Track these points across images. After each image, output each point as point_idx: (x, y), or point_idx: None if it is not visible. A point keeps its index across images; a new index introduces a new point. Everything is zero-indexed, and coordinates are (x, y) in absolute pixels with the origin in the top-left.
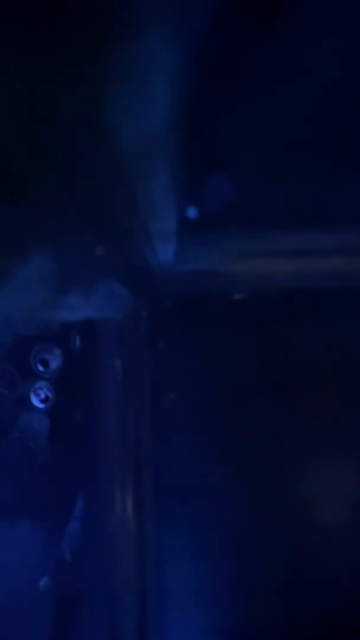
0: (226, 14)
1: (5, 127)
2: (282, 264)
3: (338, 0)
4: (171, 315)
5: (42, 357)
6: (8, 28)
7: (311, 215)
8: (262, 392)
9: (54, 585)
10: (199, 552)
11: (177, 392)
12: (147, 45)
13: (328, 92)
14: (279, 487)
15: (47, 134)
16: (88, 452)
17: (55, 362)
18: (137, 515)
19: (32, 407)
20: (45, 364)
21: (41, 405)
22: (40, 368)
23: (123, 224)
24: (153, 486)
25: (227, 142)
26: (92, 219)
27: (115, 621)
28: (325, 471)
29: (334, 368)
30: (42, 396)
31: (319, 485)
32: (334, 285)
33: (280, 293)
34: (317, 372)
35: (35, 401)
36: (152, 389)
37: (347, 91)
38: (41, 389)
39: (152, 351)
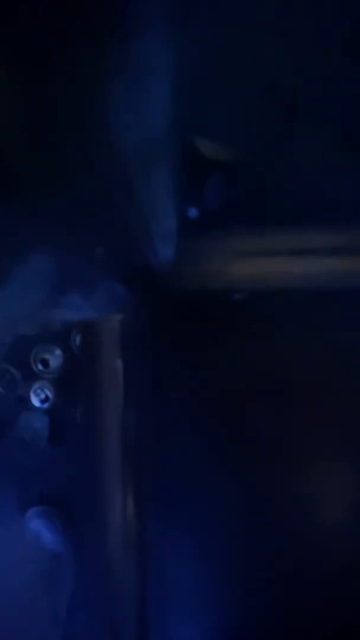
0: (225, 13)
1: (5, 128)
2: (282, 264)
3: None
4: (171, 315)
5: (42, 357)
6: (8, 29)
7: (311, 215)
8: (262, 391)
9: (54, 584)
10: (199, 552)
11: (177, 392)
12: (147, 45)
13: (329, 93)
14: (279, 486)
15: (47, 134)
16: (88, 452)
17: (55, 362)
18: (137, 515)
19: (32, 407)
20: (45, 364)
21: (41, 405)
22: (41, 368)
23: (123, 224)
24: (153, 486)
25: (227, 143)
26: (92, 219)
27: (116, 621)
28: (325, 471)
29: (334, 368)
30: (42, 396)
31: (320, 484)
32: (334, 285)
33: (280, 293)
34: (317, 371)
35: (36, 401)
36: (152, 389)
37: (348, 93)
38: (41, 389)
39: (152, 351)
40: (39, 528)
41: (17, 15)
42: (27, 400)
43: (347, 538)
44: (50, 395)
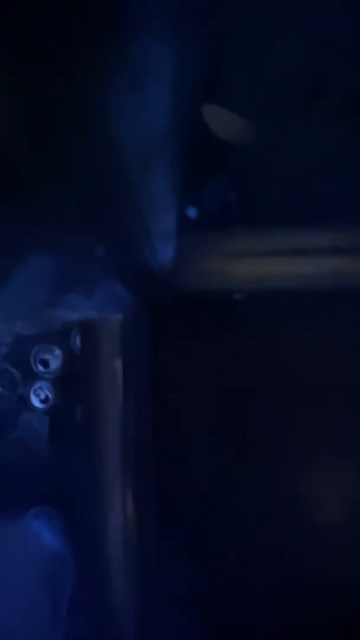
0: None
1: (5, 127)
2: (282, 264)
3: None
4: (171, 315)
5: (42, 358)
6: (9, 29)
7: (311, 215)
8: (262, 391)
9: (54, 584)
10: (199, 552)
11: (177, 392)
12: (147, 45)
13: (330, 92)
14: (279, 486)
15: (47, 134)
16: (88, 452)
17: (55, 363)
18: (137, 515)
19: (32, 408)
20: (45, 364)
21: (41, 406)
22: (41, 368)
23: (123, 224)
24: (153, 486)
25: (227, 142)
26: (93, 219)
27: (115, 621)
28: (325, 470)
29: (334, 368)
30: (42, 396)
31: (320, 484)
32: (334, 285)
33: (280, 293)
34: (317, 371)
35: (36, 401)
36: (152, 389)
37: (347, 92)
38: (41, 389)
39: (152, 351)
40: (39, 528)
41: (18, 16)
42: (26, 400)
43: (350, 537)
44: (50, 395)
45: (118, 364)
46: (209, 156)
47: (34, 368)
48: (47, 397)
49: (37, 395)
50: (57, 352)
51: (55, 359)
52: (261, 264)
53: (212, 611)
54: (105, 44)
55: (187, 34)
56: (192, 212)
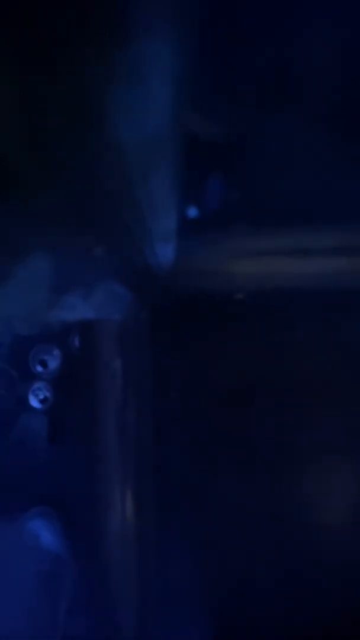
0: (226, 12)
1: (4, 127)
2: (282, 264)
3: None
4: (171, 315)
5: (41, 358)
6: (8, 28)
7: (311, 215)
8: (262, 392)
9: (52, 584)
10: (199, 552)
11: (177, 392)
12: (147, 45)
13: (330, 92)
14: (280, 486)
15: (47, 134)
16: (88, 452)
17: (54, 363)
18: (137, 515)
19: (31, 408)
20: (44, 364)
21: (40, 406)
22: (39, 369)
23: (123, 224)
24: (153, 486)
25: (227, 142)
26: (92, 219)
27: (115, 621)
28: (326, 471)
29: (334, 368)
30: (41, 397)
31: (320, 485)
32: (334, 285)
33: (280, 293)
34: (318, 372)
35: (34, 402)
36: (152, 389)
37: (347, 92)
38: (40, 389)
39: (152, 351)
40: (38, 529)
41: (18, 16)
42: (25, 401)
43: (350, 537)
44: (49, 395)
45: (118, 364)
46: (209, 156)
47: (33, 368)
48: (46, 397)
49: (36, 396)
50: (56, 352)
51: (54, 360)
52: (261, 264)
53: (213, 611)
54: (105, 44)
55: (187, 33)
56: (192, 212)
